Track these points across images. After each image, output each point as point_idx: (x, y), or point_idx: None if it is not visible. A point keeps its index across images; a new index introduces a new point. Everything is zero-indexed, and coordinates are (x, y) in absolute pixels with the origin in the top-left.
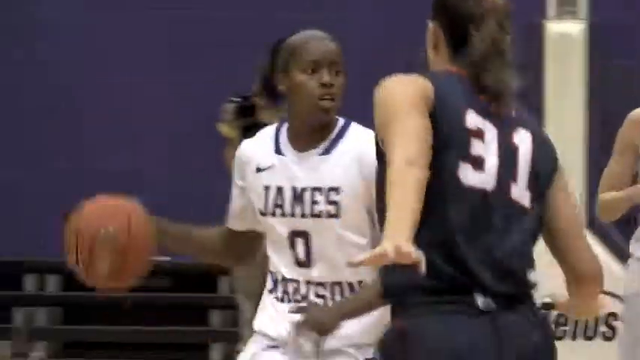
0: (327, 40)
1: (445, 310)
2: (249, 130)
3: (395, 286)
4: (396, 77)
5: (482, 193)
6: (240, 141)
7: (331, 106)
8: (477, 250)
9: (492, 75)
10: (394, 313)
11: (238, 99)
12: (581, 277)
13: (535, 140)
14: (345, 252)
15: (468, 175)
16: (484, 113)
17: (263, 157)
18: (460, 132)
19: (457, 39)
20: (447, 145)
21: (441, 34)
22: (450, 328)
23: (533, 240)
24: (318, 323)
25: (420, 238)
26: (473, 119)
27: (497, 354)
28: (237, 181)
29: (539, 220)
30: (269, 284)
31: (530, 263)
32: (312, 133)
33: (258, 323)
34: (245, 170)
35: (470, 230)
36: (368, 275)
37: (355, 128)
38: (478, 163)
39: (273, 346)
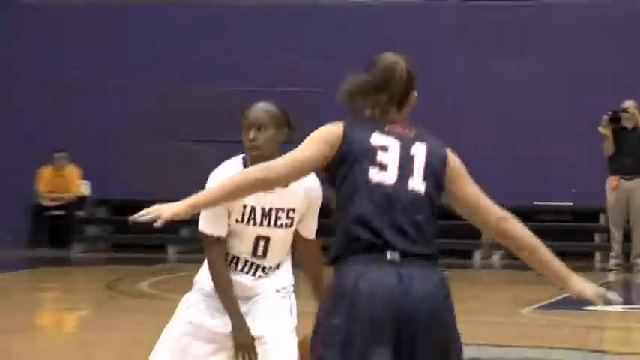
0: (261, 107)
1: (363, 262)
2: (616, 132)
3: (336, 251)
4: (322, 127)
5: (385, 186)
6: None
7: (255, 155)
8: (386, 222)
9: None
10: (334, 273)
11: (609, 112)
12: (497, 218)
13: (429, 149)
14: (285, 246)
15: (375, 175)
16: (390, 135)
17: None
18: (367, 149)
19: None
20: (358, 158)
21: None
22: (364, 273)
23: (431, 214)
24: None
25: (347, 217)
26: (378, 139)
27: (398, 290)
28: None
29: (433, 201)
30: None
31: (427, 231)
32: None
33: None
34: None
35: (380, 210)
36: (285, 258)
37: None
38: (383, 167)
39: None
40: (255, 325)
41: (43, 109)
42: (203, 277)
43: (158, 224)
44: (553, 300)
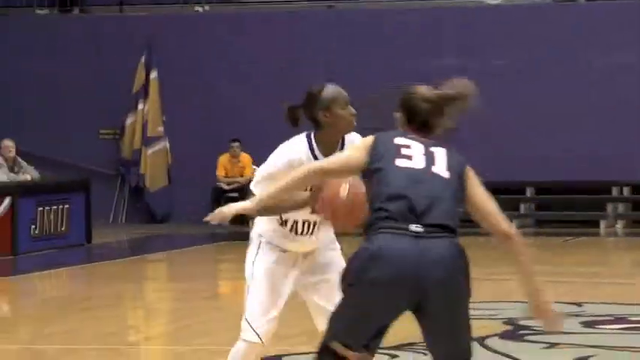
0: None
1: (389, 233)
2: None
3: (367, 222)
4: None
5: (413, 170)
6: None
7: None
8: (413, 195)
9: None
10: (364, 239)
11: None
12: (502, 232)
13: (447, 152)
14: None
15: (401, 163)
16: (411, 139)
17: (306, 158)
18: (392, 147)
19: (406, 117)
20: (385, 153)
21: (402, 116)
22: (388, 242)
23: (453, 195)
24: None
25: (378, 198)
26: (401, 140)
27: (417, 257)
28: (284, 169)
29: (456, 188)
30: (278, 221)
31: (448, 206)
32: (337, 143)
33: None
34: (297, 164)
35: (407, 186)
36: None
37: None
38: (408, 157)
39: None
40: (322, 269)
41: (220, 105)
42: (262, 231)
43: (223, 222)
44: None
